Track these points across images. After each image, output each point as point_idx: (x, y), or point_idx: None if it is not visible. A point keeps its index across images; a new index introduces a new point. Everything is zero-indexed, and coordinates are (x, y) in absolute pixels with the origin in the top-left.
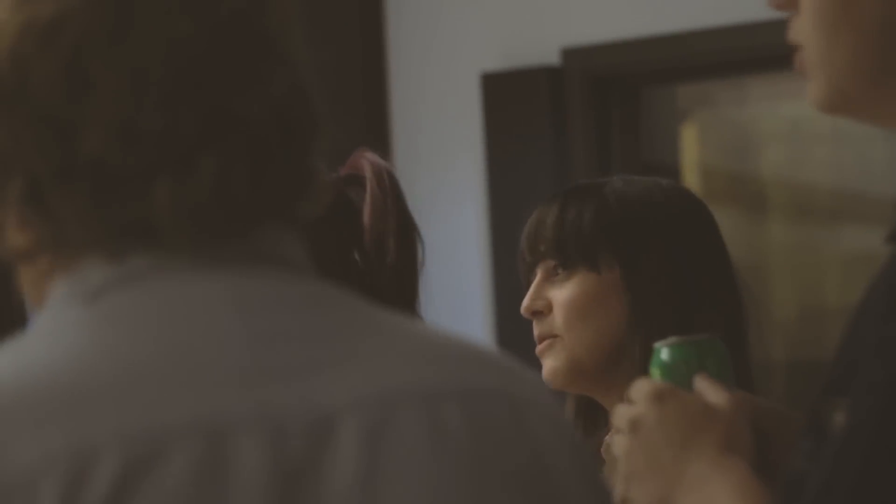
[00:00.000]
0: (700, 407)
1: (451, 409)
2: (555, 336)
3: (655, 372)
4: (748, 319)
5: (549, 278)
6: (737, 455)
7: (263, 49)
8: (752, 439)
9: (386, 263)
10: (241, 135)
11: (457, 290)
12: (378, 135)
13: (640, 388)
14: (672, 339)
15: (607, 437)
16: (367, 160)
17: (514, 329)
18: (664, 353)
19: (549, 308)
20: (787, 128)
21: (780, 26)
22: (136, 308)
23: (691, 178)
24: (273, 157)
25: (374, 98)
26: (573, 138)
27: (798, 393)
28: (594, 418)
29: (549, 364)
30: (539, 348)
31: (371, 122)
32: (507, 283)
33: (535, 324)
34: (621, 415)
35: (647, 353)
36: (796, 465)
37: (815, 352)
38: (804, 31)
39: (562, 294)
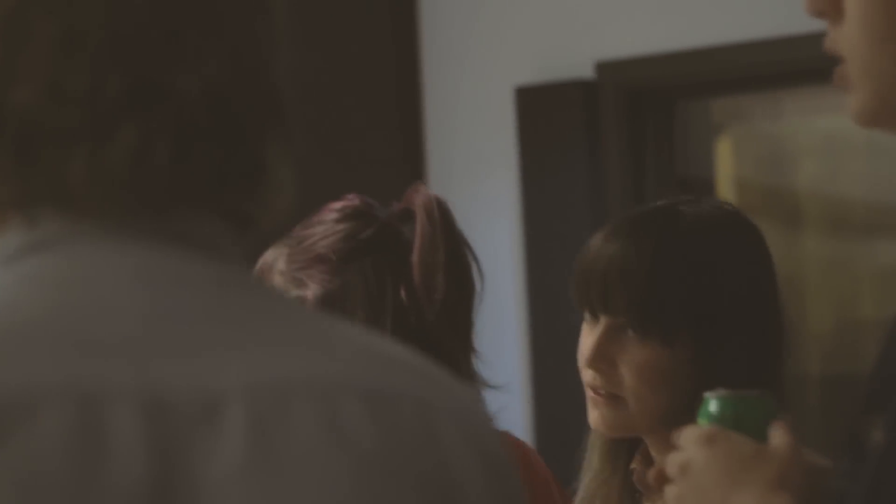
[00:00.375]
0: (750, 447)
1: (352, 406)
2: (617, 395)
3: (703, 423)
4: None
5: (615, 334)
6: (787, 493)
7: (209, 27)
8: (805, 483)
9: (434, 300)
10: (168, 108)
11: (491, 304)
12: (412, 149)
13: (688, 434)
14: (722, 392)
15: (635, 465)
16: (420, 194)
17: (548, 344)
18: (712, 405)
19: (611, 367)
20: (822, 142)
21: (815, 40)
22: (41, 273)
23: (726, 192)
24: (203, 138)
25: (409, 112)
26: (607, 152)
27: (833, 406)
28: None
29: (606, 416)
30: (595, 399)
31: (405, 136)
32: (542, 298)
33: (591, 373)
34: (671, 462)
35: None
36: (835, 485)
37: (850, 365)
38: (848, 40)
39: (632, 361)
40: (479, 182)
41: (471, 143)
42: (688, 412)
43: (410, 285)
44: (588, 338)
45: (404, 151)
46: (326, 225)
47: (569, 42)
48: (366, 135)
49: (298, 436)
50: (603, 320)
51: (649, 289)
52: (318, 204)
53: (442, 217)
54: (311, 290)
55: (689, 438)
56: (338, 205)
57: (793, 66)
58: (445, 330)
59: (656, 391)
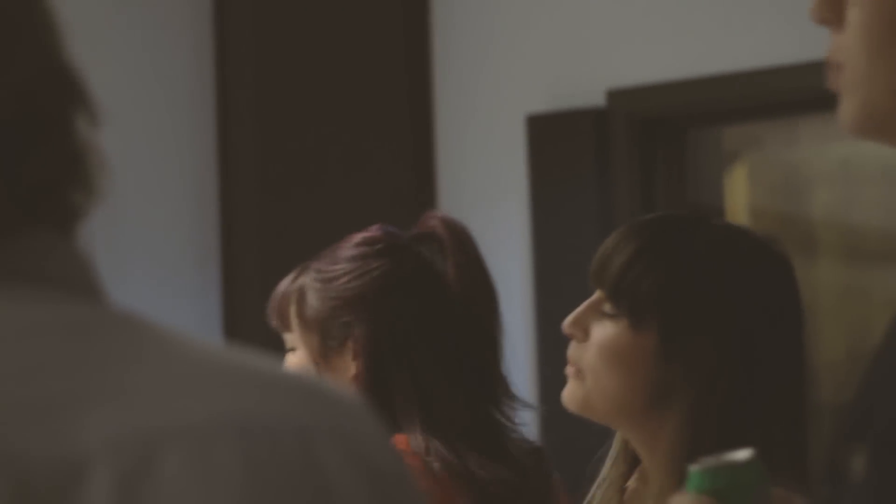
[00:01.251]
0: None
1: (226, 448)
2: (582, 371)
3: (690, 493)
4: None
5: (598, 308)
6: None
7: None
8: None
9: (473, 315)
10: None
11: None
12: (423, 176)
13: None
14: (706, 463)
15: (630, 483)
16: (440, 220)
17: (557, 370)
18: (696, 478)
19: (584, 336)
20: (837, 169)
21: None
22: None
23: (739, 220)
24: (22, 146)
25: (420, 139)
26: (618, 180)
27: None
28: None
29: (570, 390)
30: (568, 369)
31: (417, 163)
32: (551, 324)
33: (571, 344)
34: None
35: (677, 434)
36: None
37: None
38: (847, 47)
39: (598, 334)
40: (489, 209)
41: (482, 171)
42: (651, 410)
43: (447, 306)
44: None
45: (416, 178)
46: (357, 262)
47: (580, 70)
48: (377, 161)
49: (167, 489)
50: (596, 294)
51: (629, 265)
52: (330, 227)
53: (465, 238)
54: (357, 329)
55: None
56: (363, 238)
57: (807, 93)
58: (481, 347)
59: (612, 372)
